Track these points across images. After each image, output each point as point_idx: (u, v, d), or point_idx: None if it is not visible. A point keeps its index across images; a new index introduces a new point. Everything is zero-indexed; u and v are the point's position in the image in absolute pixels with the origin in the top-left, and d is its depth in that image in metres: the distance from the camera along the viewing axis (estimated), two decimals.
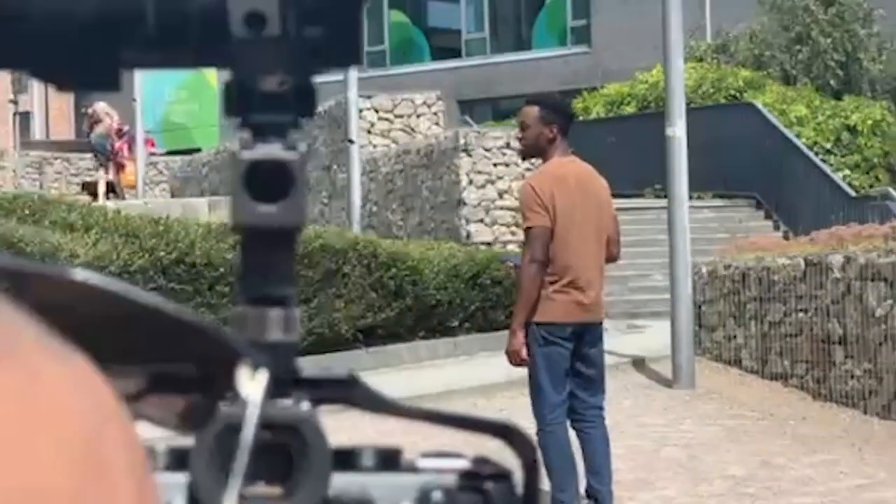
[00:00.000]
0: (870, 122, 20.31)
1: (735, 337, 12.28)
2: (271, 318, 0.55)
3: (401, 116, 19.77)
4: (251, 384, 0.49)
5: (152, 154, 27.57)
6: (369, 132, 18.44)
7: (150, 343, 0.48)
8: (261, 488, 0.53)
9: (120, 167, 23.48)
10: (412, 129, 19.35)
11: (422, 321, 13.70)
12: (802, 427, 9.49)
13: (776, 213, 17.85)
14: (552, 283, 6.26)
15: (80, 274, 0.46)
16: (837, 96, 21.94)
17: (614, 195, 15.57)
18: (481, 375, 11.43)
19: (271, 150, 0.56)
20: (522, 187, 6.64)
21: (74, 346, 0.38)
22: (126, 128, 23.46)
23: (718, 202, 17.34)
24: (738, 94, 20.53)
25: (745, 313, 12.12)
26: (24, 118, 38.80)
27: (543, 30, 29.99)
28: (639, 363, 12.12)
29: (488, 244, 15.95)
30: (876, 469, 7.77)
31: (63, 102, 37.39)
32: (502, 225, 16.33)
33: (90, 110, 23.28)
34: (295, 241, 0.59)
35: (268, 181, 0.56)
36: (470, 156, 15.98)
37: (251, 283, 0.57)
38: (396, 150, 18.17)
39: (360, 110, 17.61)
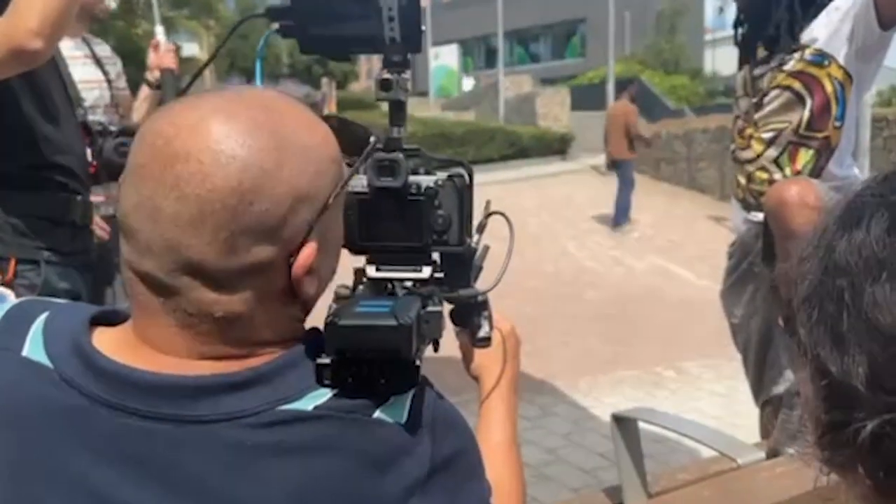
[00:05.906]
0: (681, 82, 24.10)
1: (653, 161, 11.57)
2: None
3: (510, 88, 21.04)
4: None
5: None
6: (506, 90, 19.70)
7: (345, 129, 0.61)
8: None
9: None
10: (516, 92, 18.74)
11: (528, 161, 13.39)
12: (680, 201, 9.51)
13: (650, 117, 17.96)
14: None
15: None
16: (671, 74, 24.64)
17: None
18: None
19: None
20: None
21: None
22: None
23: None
24: (636, 74, 21.07)
25: (654, 152, 11.53)
26: None
27: None
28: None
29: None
30: (717, 226, 7.60)
31: None
32: None
33: None
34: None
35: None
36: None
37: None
38: (516, 96, 18.85)
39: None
